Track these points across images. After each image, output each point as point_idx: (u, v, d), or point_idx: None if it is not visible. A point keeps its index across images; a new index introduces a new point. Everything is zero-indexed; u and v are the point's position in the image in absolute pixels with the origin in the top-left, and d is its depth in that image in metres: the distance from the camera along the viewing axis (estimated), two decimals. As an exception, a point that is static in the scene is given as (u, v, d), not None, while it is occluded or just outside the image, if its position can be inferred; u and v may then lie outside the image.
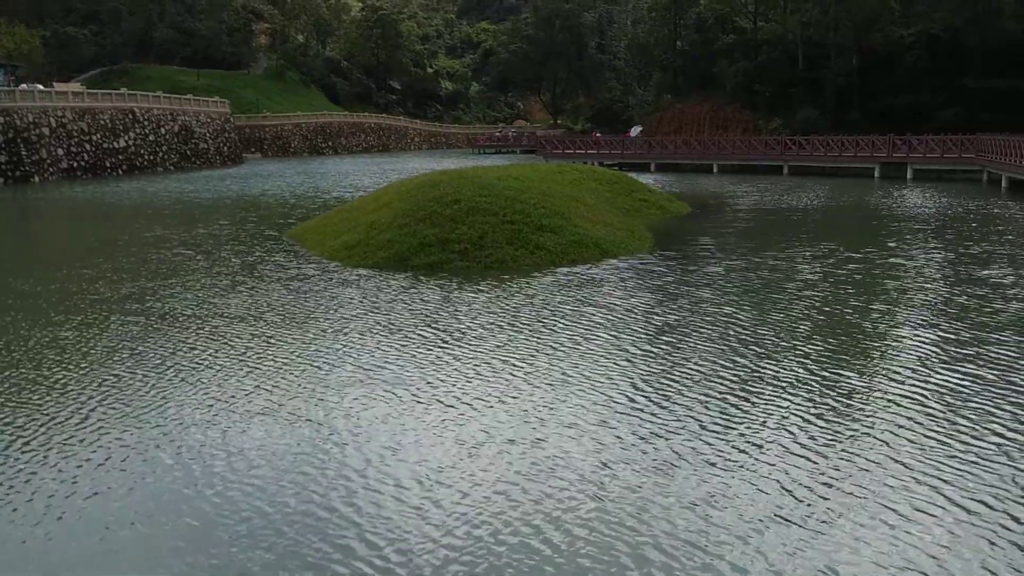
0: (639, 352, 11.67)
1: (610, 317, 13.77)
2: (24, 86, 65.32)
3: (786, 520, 6.73)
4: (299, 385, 10.44)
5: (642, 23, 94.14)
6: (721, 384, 10.18)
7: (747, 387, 10.04)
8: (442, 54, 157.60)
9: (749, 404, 9.43)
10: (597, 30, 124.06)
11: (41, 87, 65.18)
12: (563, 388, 10.12)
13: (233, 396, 10.08)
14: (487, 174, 23.70)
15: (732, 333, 12.63)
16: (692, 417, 9.04)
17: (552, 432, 8.67)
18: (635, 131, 69.59)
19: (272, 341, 12.60)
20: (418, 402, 9.70)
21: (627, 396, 9.80)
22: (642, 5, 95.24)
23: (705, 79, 75.44)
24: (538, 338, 12.43)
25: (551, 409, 9.35)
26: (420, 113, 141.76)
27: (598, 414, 9.18)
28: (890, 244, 22.32)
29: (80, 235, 28.76)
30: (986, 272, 17.61)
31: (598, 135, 79.33)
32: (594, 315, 13.90)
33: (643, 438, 8.49)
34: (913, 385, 10.03)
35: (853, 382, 10.19)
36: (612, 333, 12.72)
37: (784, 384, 10.14)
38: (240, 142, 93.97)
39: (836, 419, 8.95)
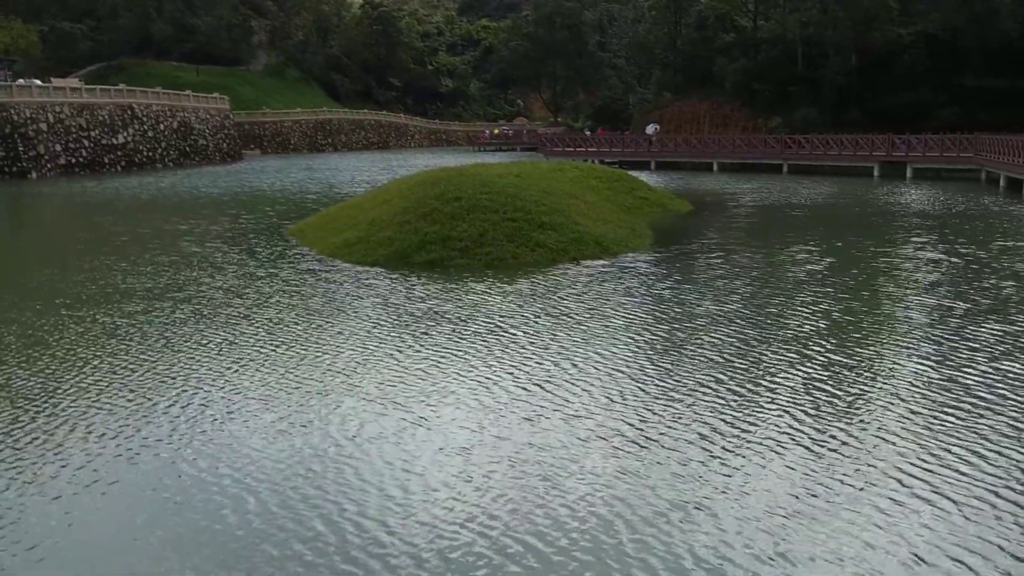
0: (641, 350, 11.64)
1: (610, 314, 13.77)
2: (22, 81, 65.30)
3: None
4: (297, 385, 10.42)
5: (642, 21, 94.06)
6: (725, 382, 10.15)
7: (751, 386, 10.02)
8: (442, 51, 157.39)
9: (755, 405, 9.42)
10: (597, 28, 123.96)
11: (39, 83, 65.16)
12: (563, 384, 10.12)
13: (233, 389, 10.09)
14: (488, 171, 23.73)
15: (734, 330, 12.64)
16: (701, 420, 8.99)
17: (554, 430, 8.64)
18: (651, 128, 69.51)
19: (271, 340, 12.57)
20: (418, 402, 9.65)
21: (629, 394, 9.76)
22: (642, 3, 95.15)
23: (705, 77, 75.41)
24: (539, 335, 12.42)
25: (555, 407, 9.33)
26: (420, 110, 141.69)
27: (604, 414, 9.13)
28: (891, 240, 22.42)
29: (76, 232, 28.71)
30: (993, 266, 17.66)
31: (603, 131, 79.30)
32: (594, 312, 13.90)
33: (653, 439, 8.47)
34: (915, 374, 10.06)
35: (863, 383, 10.14)
36: (613, 330, 12.72)
37: (787, 378, 10.16)
38: (240, 139, 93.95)
39: (845, 421, 8.93)
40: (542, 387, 10.09)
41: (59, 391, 10.29)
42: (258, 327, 13.39)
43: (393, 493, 7.36)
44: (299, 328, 13.27)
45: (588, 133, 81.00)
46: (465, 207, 20.00)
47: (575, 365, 10.96)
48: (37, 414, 9.48)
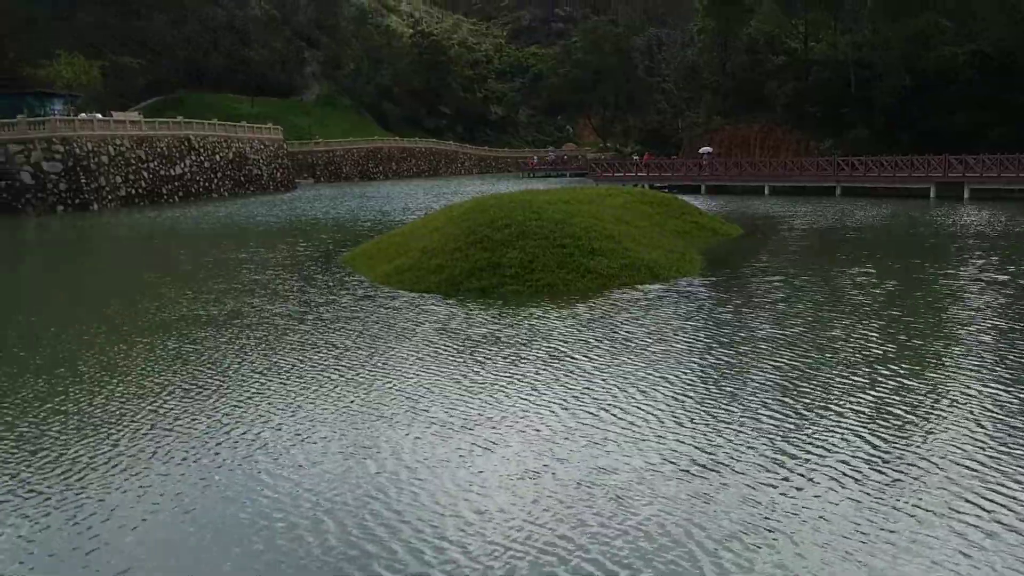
0: (705, 374, 11.61)
1: (670, 338, 13.74)
2: (84, 115, 67.03)
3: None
4: (365, 409, 10.53)
5: (691, 45, 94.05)
6: (792, 406, 10.08)
7: (819, 410, 9.92)
8: (492, 79, 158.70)
9: (824, 429, 9.31)
10: (646, 53, 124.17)
11: (100, 116, 66.79)
12: (629, 408, 10.12)
13: (304, 414, 10.25)
14: (537, 198, 23.77)
15: (798, 353, 12.54)
16: (770, 444, 8.93)
17: (623, 454, 8.65)
18: (706, 151, 69.32)
19: (337, 365, 12.74)
20: (485, 426, 9.73)
21: (696, 418, 9.74)
22: (691, 28, 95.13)
23: (755, 100, 75.03)
24: (602, 359, 12.42)
25: (622, 431, 9.33)
26: (470, 137, 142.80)
27: (671, 438, 9.14)
28: (952, 262, 22.06)
29: (141, 261, 29.29)
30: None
31: (649, 156, 79.17)
32: (654, 336, 13.88)
33: (711, 467, 8.42)
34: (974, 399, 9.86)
35: (936, 406, 9.99)
36: (674, 354, 12.69)
37: (856, 402, 10.02)
38: (293, 168, 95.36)
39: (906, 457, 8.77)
40: (608, 411, 10.09)
41: (136, 417, 10.53)
42: (323, 353, 13.55)
43: (468, 517, 7.43)
44: (363, 353, 13.41)
45: (636, 159, 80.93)
46: (515, 234, 20.03)
47: (639, 390, 10.94)
48: (117, 440, 9.70)
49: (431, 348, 13.57)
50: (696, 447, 8.85)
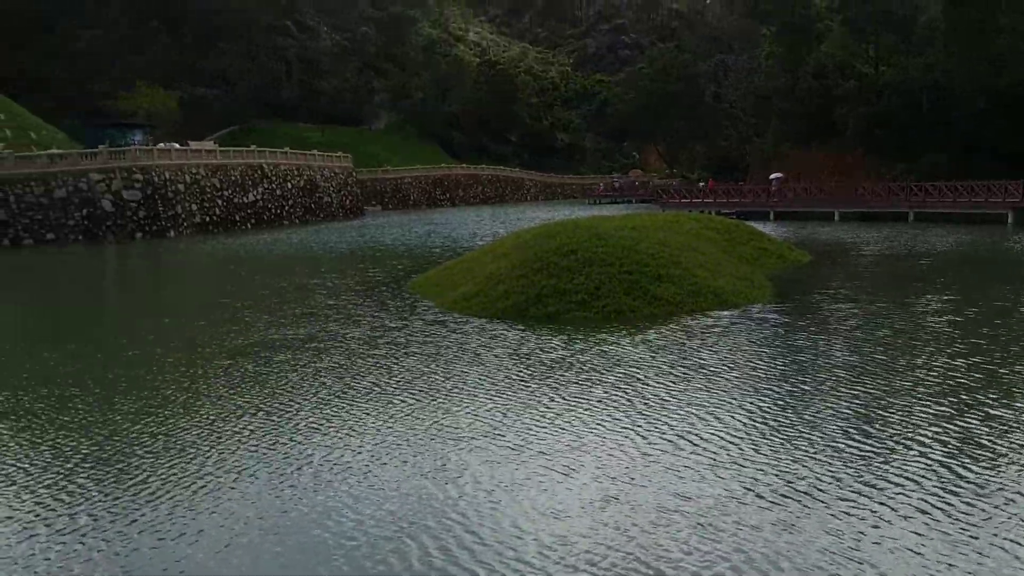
0: (784, 401, 11.48)
1: (745, 365, 13.62)
2: (162, 145, 69.06)
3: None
4: (442, 432, 10.65)
5: (759, 71, 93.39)
6: (875, 435, 9.92)
7: (904, 439, 9.75)
8: (558, 106, 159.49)
9: (909, 459, 9.16)
10: (713, 79, 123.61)
11: (178, 146, 68.75)
12: (708, 435, 10.08)
13: (382, 437, 10.40)
14: (603, 224, 23.79)
15: (881, 382, 12.31)
16: (854, 474, 8.81)
17: (703, 481, 8.63)
18: (776, 178, 68.58)
19: (412, 388, 12.90)
20: (562, 451, 9.76)
21: (777, 445, 9.66)
22: (759, 53, 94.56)
23: (824, 126, 74.09)
24: (677, 385, 12.39)
25: (701, 459, 9.31)
26: (536, 164, 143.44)
27: (751, 466, 9.08)
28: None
29: (220, 286, 29.95)
30: None
31: (713, 183, 78.60)
32: (729, 363, 13.77)
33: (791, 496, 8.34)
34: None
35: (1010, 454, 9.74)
36: (751, 381, 12.57)
37: (942, 431, 9.82)
38: (361, 195, 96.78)
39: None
40: (685, 438, 10.06)
41: (220, 440, 10.79)
42: (399, 377, 13.73)
43: (548, 541, 7.47)
44: (438, 377, 13.55)
45: (701, 185, 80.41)
46: (581, 260, 20.07)
47: (716, 416, 10.87)
48: (203, 462, 9.95)
49: (505, 373, 13.65)
50: (777, 475, 8.76)
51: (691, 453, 9.50)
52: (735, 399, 11.65)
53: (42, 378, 14.72)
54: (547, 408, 11.53)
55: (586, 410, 11.35)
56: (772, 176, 69.90)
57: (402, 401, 12.19)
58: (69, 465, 9.96)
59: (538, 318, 18.29)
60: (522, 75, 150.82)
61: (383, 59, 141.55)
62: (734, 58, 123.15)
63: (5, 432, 11.47)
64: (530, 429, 10.62)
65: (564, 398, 11.98)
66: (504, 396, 12.24)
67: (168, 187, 61.50)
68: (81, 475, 9.59)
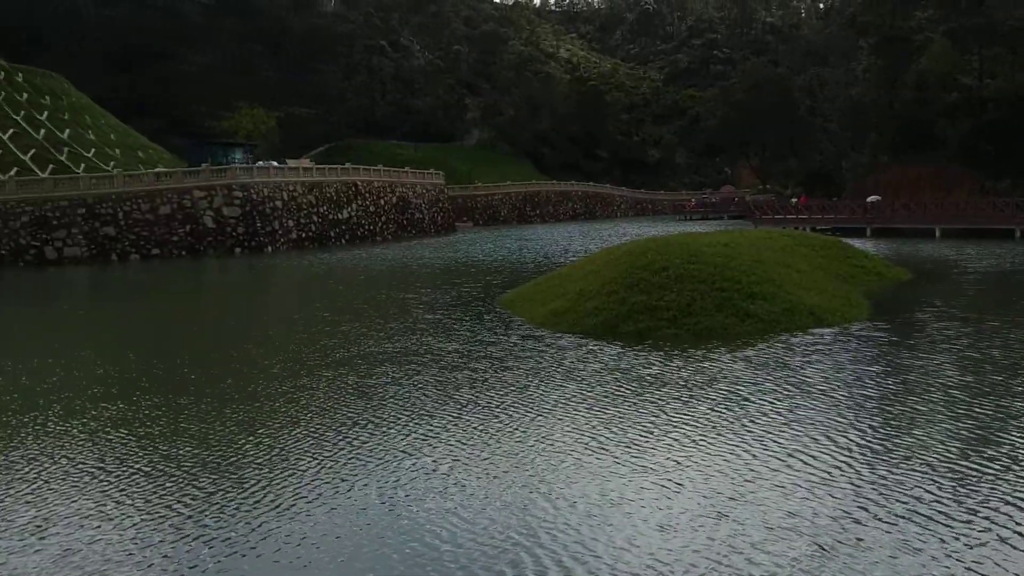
0: (898, 422, 11.19)
1: (852, 383, 13.33)
2: (261, 163, 71.16)
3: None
4: (546, 446, 10.73)
5: (856, 84, 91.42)
6: (1000, 459, 9.60)
7: (1012, 470, 9.42)
8: (648, 122, 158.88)
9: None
10: (808, 93, 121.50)
11: (276, 164, 70.75)
12: (819, 454, 9.92)
13: (486, 449, 10.56)
14: (695, 240, 23.61)
15: (1003, 404, 11.90)
16: (981, 499, 8.55)
17: (817, 500, 8.51)
18: (872, 201, 66.82)
19: (514, 401, 13.04)
20: (670, 467, 9.74)
21: (894, 467, 9.43)
22: (856, 66, 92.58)
23: (924, 140, 72.06)
24: (782, 403, 12.22)
25: (814, 477, 9.17)
26: (626, 180, 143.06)
27: (868, 487, 8.88)
28: None
29: (319, 301, 30.61)
30: None
31: (805, 199, 77.10)
32: (836, 381, 13.49)
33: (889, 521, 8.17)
34: None
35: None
36: (859, 400, 12.31)
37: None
38: (452, 211, 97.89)
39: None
40: (794, 456, 9.91)
41: (325, 450, 11.07)
42: (498, 390, 13.86)
43: (661, 556, 7.46)
44: (538, 392, 13.62)
45: (793, 201, 78.93)
46: (672, 277, 19.96)
47: (826, 435, 10.67)
48: (316, 472, 10.24)
49: (606, 388, 13.64)
50: (893, 495, 8.56)
51: (802, 471, 9.35)
52: (845, 418, 11.40)
53: (156, 387, 15.32)
54: (651, 424, 11.48)
55: (691, 426, 11.28)
56: (869, 199, 68.12)
57: (505, 415, 12.29)
58: (191, 472, 10.33)
59: (628, 335, 18.22)
60: (613, 91, 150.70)
61: (475, 77, 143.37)
62: (830, 71, 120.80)
63: (128, 439, 11.96)
64: (635, 444, 10.59)
65: (667, 414, 11.92)
66: (607, 411, 12.22)
67: (266, 204, 63.25)
68: (202, 482, 9.94)
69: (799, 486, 8.92)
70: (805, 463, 9.63)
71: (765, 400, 12.46)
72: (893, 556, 7.24)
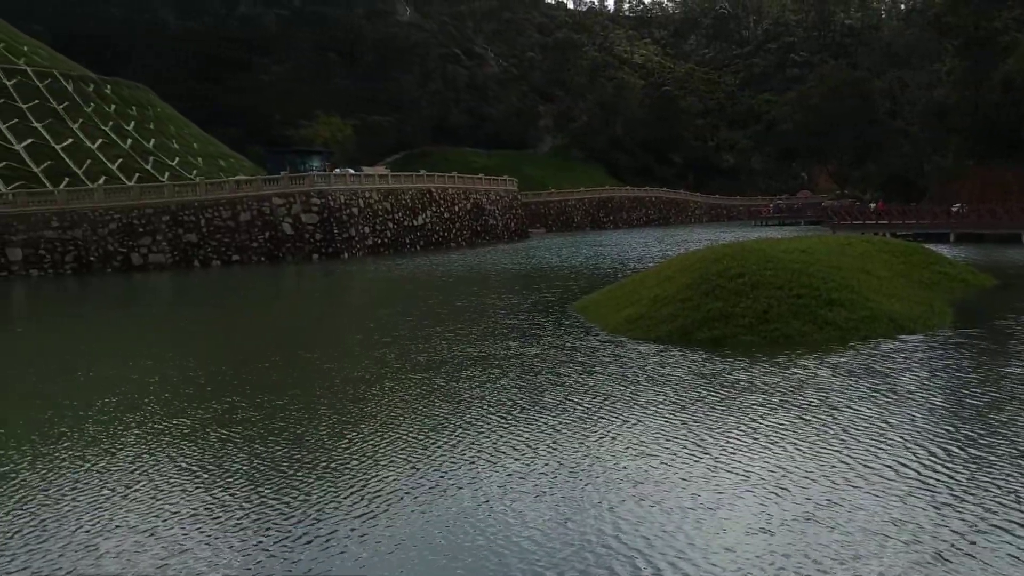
0: (995, 433, 10.85)
1: (937, 393, 13.03)
2: (338, 170, 72.40)
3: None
4: (642, 449, 10.75)
5: (939, 86, 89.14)
6: None
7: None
8: (723, 127, 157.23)
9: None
10: (888, 96, 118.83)
11: (352, 171, 71.91)
12: (927, 464, 9.72)
13: (584, 452, 10.62)
14: (771, 247, 23.31)
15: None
16: None
17: (924, 510, 8.38)
18: (957, 207, 64.91)
19: (593, 409, 13.05)
20: (771, 472, 9.71)
21: (1002, 482, 9.16)
22: (938, 68, 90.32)
23: (1011, 143, 69.89)
24: (864, 412, 11.99)
25: (920, 487, 9.00)
26: (701, 185, 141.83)
27: (973, 503, 8.63)
28: None
29: (401, 306, 31.03)
30: None
31: (882, 205, 75.34)
32: (919, 390, 13.21)
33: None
34: None
35: None
36: (947, 410, 12.02)
37: None
38: (526, 217, 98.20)
39: None
40: (896, 463, 9.73)
41: (420, 453, 11.26)
42: (584, 395, 13.89)
43: (759, 562, 7.44)
44: (624, 396, 13.62)
45: (872, 206, 77.16)
46: (748, 283, 19.75)
47: (928, 443, 10.45)
48: (412, 473, 10.44)
49: (693, 393, 13.58)
50: (1007, 507, 8.34)
51: (903, 478, 9.19)
52: (943, 425, 11.17)
53: (249, 388, 15.76)
54: (744, 429, 11.41)
55: (781, 431, 11.18)
56: (954, 207, 66.28)
57: (592, 420, 12.31)
58: (289, 473, 10.60)
59: (703, 342, 18.06)
60: (687, 96, 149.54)
61: (549, 83, 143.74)
62: (911, 73, 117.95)
63: (227, 438, 12.33)
64: (726, 449, 10.55)
65: (759, 419, 11.83)
66: (695, 416, 12.19)
67: (343, 211, 64.28)
68: (300, 483, 10.18)
69: (902, 493, 8.76)
70: (906, 470, 9.45)
71: (857, 406, 12.25)
72: (1014, 565, 7.09)
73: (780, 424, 11.55)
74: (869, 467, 9.63)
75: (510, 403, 13.57)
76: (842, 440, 10.69)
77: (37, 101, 75.93)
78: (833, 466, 9.73)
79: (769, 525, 8.14)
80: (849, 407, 12.26)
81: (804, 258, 21.68)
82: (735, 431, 11.33)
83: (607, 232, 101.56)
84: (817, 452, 10.27)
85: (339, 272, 50.48)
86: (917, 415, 11.74)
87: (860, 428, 11.19)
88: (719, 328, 18.49)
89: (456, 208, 79.68)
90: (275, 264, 58.84)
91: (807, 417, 11.84)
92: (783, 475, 9.49)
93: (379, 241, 67.75)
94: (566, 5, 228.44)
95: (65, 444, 12.38)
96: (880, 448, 10.30)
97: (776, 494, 8.92)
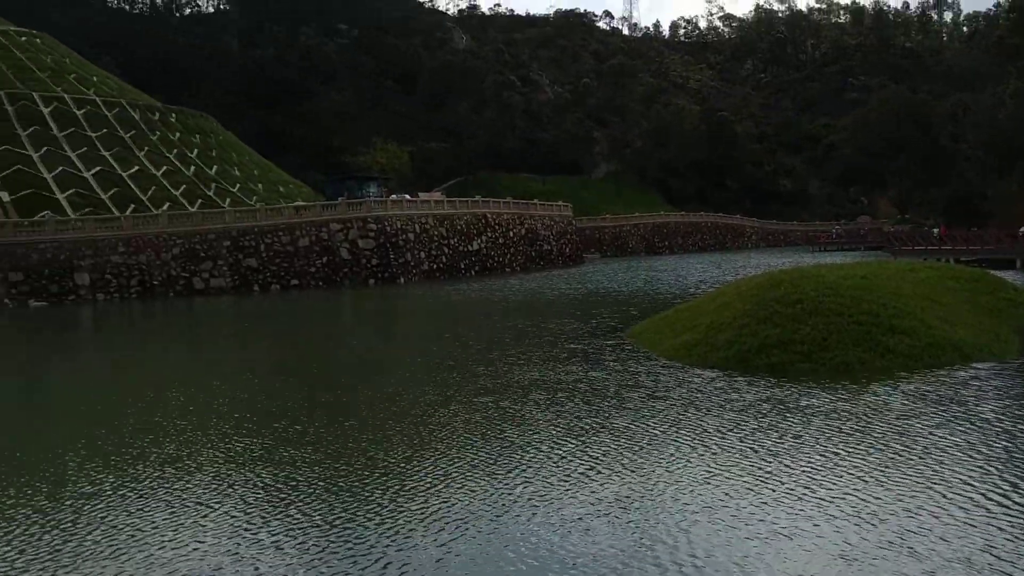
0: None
1: (994, 427, 12.60)
2: (394, 196, 73.14)
3: None
4: (719, 474, 10.69)
5: (1002, 108, 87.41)
6: None
7: None
8: (780, 151, 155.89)
9: None
10: (951, 119, 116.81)
11: (408, 197, 72.59)
12: (999, 493, 9.49)
13: (652, 477, 10.58)
14: (830, 273, 22.98)
15: None
16: None
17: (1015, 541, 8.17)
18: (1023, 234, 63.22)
19: (663, 434, 12.99)
20: (853, 496, 9.56)
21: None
22: (1002, 91, 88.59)
23: (1081, 165, 68.21)
24: (943, 441, 11.73)
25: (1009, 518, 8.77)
26: (757, 211, 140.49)
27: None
28: None
29: (464, 331, 31.11)
30: None
31: (945, 230, 73.79)
32: (989, 421, 12.87)
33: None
34: None
35: None
36: (999, 445, 11.64)
37: None
38: (580, 242, 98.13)
39: None
40: (984, 492, 9.48)
41: (495, 476, 11.30)
42: (654, 420, 13.84)
43: None
44: (695, 422, 13.52)
45: (935, 232, 75.61)
46: (807, 310, 19.47)
47: (1020, 476, 10.12)
48: (484, 497, 10.46)
49: (765, 418, 13.44)
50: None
51: (985, 508, 8.93)
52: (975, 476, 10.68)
53: (320, 411, 16.02)
54: (817, 455, 11.25)
55: (859, 458, 10.99)
56: (1020, 232, 64.66)
57: (664, 445, 12.26)
58: (362, 493, 10.70)
59: (761, 368, 17.81)
60: (743, 121, 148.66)
61: (603, 109, 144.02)
62: (974, 96, 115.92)
63: (300, 458, 12.49)
64: (803, 475, 10.40)
65: (831, 445, 11.65)
66: (770, 442, 12.06)
67: (399, 236, 64.86)
68: (374, 503, 10.26)
69: (985, 522, 8.55)
70: (989, 499, 9.21)
71: (938, 434, 12.02)
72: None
73: (857, 451, 11.35)
74: (952, 495, 9.42)
75: (579, 427, 13.53)
76: (922, 468, 10.47)
77: (106, 130, 78.06)
78: (914, 494, 9.52)
79: (851, 553, 8.00)
80: (927, 435, 12.03)
81: (864, 284, 21.33)
82: (811, 457, 11.17)
83: (662, 257, 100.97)
84: (897, 480, 10.06)
85: (396, 296, 50.92)
86: (998, 444, 11.47)
87: (940, 456, 10.95)
88: (777, 355, 18.25)
89: (511, 233, 79.88)
90: (332, 289, 59.49)
91: (885, 444, 11.62)
92: (863, 502, 9.31)
93: (434, 266, 68.16)
94: (621, 32, 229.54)
95: (145, 464, 12.67)
96: (962, 476, 10.07)
97: (857, 522, 8.75)
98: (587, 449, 12.16)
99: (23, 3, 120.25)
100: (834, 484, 10.02)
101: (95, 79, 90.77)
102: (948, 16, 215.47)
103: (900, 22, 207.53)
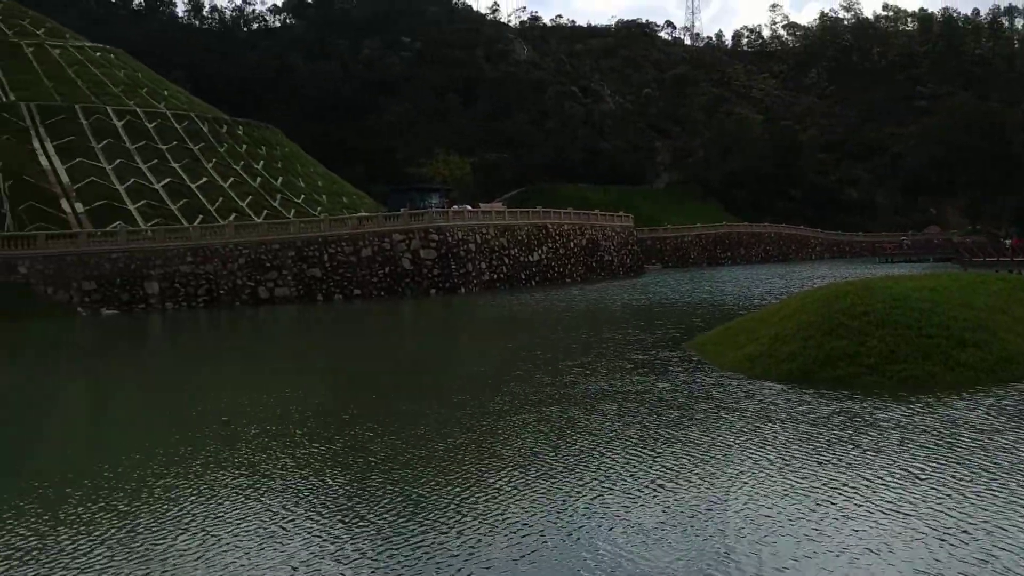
0: None
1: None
2: (456, 207, 73.58)
3: None
4: (786, 489, 10.59)
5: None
6: None
7: None
8: (845, 161, 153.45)
9: None
10: (1022, 127, 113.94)
11: (470, 207, 72.95)
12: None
13: (720, 488, 10.53)
14: (898, 285, 22.57)
15: None
16: None
17: None
18: None
19: (742, 449, 12.88)
20: (910, 515, 9.42)
21: None
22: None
23: None
24: (998, 461, 11.40)
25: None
26: (821, 221, 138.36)
27: None
28: None
29: (529, 340, 31.05)
30: None
31: (1017, 241, 71.91)
32: None
33: None
34: None
35: None
36: None
37: None
38: (641, 253, 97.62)
39: None
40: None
41: (569, 484, 11.31)
42: (725, 431, 13.76)
43: None
44: (771, 434, 13.40)
45: (1007, 243, 73.67)
46: (874, 322, 19.15)
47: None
48: (555, 505, 10.48)
49: (840, 431, 13.25)
50: None
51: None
52: None
53: (389, 418, 16.19)
54: (897, 469, 11.08)
55: (941, 472, 10.79)
56: None
57: (739, 456, 12.17)
58: (438, 502, 10.75)
59: (826, 381, 17.56)
60: (807, 130, 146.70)
61: (665, 119, 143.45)
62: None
63: (373, 463, 12.65)
64: (885, 489, 10.23)
65: (911, 460, 11.46)
66: (847, 455, 11.90)
67: (460, 246, 65.18)
68: (449, 513, 10.32)
69: None
70: None
71: (1022, 448, 11.76)
72: None
73: (939, 465, 11.13)
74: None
75: (651, 438, 13.48)
76: (1008, 483, 10.24)
77: (175, 142, 79.98)
78: (1002, 511, 9.30)
79: (942, 570, 7.86)
80: (1011, 449, 11.76)
81: (934, 296, 20.91)
82: (892, 471, 10.97)
83: (724, 268, 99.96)
84: (983, 495, 9.85)
85: (458, 307, 51.17)
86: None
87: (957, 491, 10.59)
88: (842, 367, 18.00)
89: (572, 244, 79.74)
90: (394, 298, 60.02)
91: (967, 459, 11.38)
92: (950, 518, 9.13)
93: (495, 276, 68.34)
94: (683, 42, 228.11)
95: (219, 469, 12.99)
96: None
97: (945, 538, 8.59)
98: (660, 459, 12.11)
99: (99, 21, 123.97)
100: (918, 499, 9.83)
101: (166, 93, 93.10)
102: (1020, 23, 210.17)
103: (970, 29, 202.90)
